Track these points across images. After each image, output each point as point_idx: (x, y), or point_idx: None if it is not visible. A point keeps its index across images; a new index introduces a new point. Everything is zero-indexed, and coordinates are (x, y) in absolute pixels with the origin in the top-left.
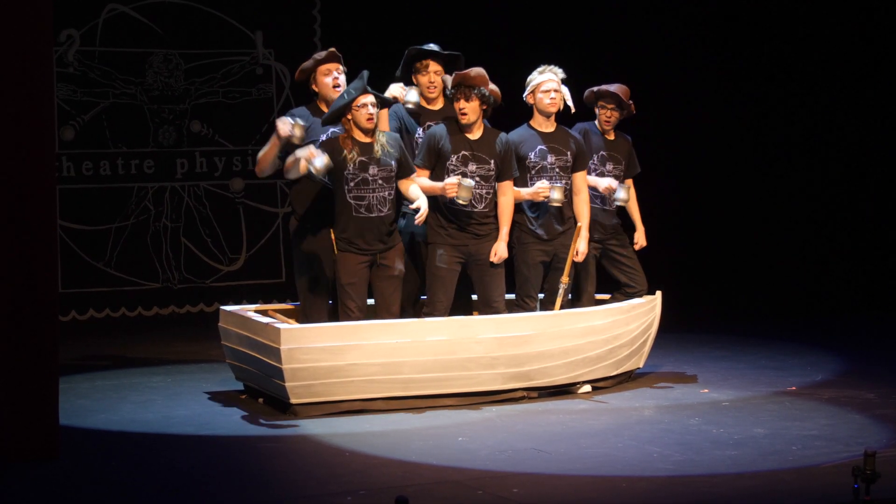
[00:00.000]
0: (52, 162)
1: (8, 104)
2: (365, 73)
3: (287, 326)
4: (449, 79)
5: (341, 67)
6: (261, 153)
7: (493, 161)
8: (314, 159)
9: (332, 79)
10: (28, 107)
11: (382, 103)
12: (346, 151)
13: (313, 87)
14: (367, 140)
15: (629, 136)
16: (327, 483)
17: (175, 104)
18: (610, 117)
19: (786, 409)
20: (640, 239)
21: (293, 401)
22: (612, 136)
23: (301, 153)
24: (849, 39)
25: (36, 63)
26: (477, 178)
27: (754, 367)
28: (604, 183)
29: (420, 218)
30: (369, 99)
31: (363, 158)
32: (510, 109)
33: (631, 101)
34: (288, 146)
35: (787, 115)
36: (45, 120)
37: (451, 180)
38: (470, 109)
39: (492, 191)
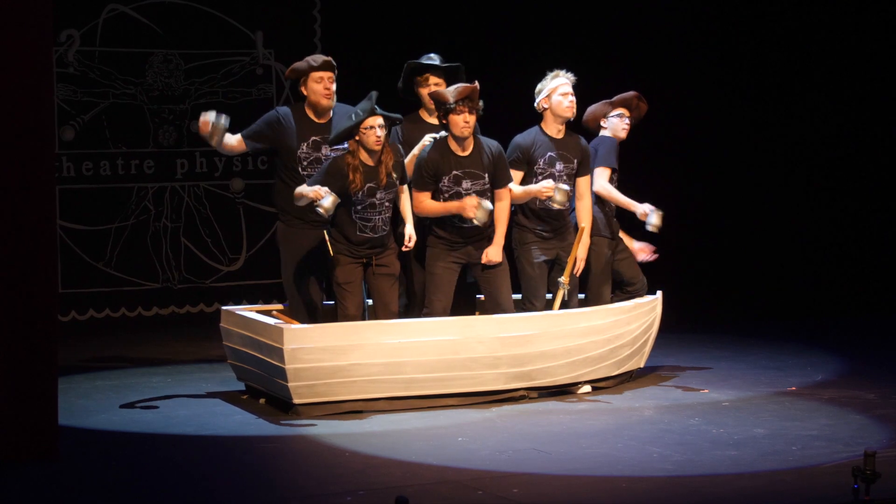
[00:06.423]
0: (52, 162)
1: (8, 104)
2: (374, 94)
3: (290, 327)
4: (451, 91)
5: (334, 76)
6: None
7: (486, 175)
8: (322, 200)
9: (324, 86)
10: (28, 107)
11: (391, 123)
12: (351, 177)
13: (302, 89)
14: (373, 163)
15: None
16: (327, 483)
17: (175, 104)
18: (629, 125)
19: (786, 410)
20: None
21: (296, 401)
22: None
23: (306, 190)
24: (850, 42)
25: (36, 63)
26: (473, 195)
27: (754, 367)
28: (641, 209)
29: (409, 244)
30: (378, 121)
31: (371, 184)
32: (507, 112)
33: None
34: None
35: (789, 116)
36: (45, 120)
37: (472, 202)
38: (472, 123)
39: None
